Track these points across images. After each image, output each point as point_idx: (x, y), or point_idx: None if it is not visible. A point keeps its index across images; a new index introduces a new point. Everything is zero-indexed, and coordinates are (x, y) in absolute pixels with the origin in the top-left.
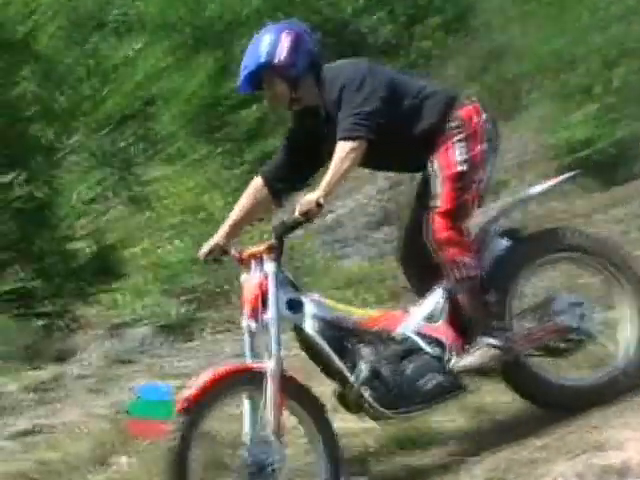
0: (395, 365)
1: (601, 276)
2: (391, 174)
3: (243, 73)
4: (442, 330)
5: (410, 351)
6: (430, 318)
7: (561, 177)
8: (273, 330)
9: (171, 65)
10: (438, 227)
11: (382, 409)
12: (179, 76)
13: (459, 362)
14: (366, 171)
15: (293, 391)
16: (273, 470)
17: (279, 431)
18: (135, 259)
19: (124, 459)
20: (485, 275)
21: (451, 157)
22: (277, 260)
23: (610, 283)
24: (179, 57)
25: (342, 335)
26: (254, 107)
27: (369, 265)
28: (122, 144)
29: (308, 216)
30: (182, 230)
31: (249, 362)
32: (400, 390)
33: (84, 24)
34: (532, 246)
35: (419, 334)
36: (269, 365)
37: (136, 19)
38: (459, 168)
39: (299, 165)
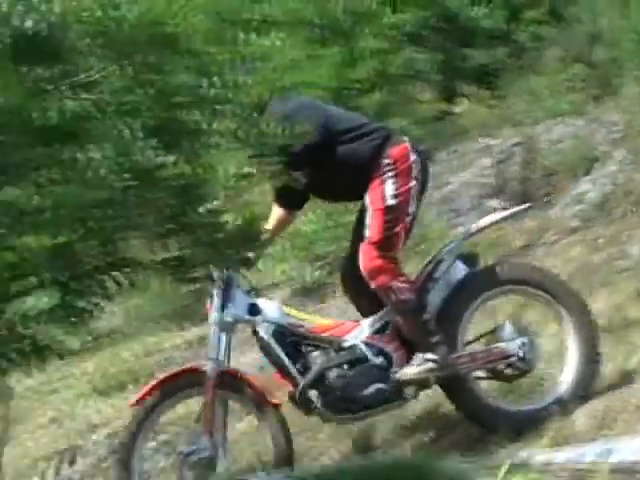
0: (342, 371)
1: (547, 307)
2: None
3: None
4: (388, 342)
5: (357, 359)
6: (378, 330)
7: (512, 210)
8: (214, 332)
9: (303, 57)
10: (368, 257)
11: (326, 411)
12: (310, 67)
13: (399, 373)
14: (477, 145)
15: (235, 386)
16: (199, 459)
17: (209, 423)
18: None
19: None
20: (443, 298)
21: (382, 192)
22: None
23: (554, 314)
24: (310, 50)
25: (295, 340)
26: (377, 93)
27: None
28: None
29: None
30: (315, 203)
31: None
32: (344, 395)
33: (229, 22)
34: (485, 277)
35: (366, 344)
36: (207, 365)
37: (273, 17)
38: (388, 202)
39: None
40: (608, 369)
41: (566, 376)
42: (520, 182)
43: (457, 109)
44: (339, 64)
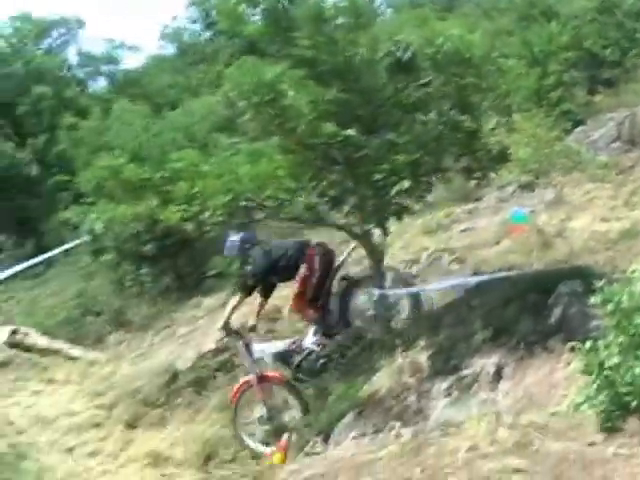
0: (307, 360)
1: None
2: None
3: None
4: (321, 338)
5: (311, 352)
6: (315, 333)
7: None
8: (249, 364)
9: (524, 72)
10: (294, 299)
11: (310, 376)
12: (527, 77)
13: (328, 348)
14: (606, 117)
15: (272, 380)
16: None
17: (265, 399)
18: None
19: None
20: (338, 300)
21: (300, 271)
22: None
23: None
24: (526, 69)
25: (283, 354)
26: (557, 91)
27: (605, 164)
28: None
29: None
30: (527, 143)
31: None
32: (310, 370)
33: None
34: (355, 284)
35: (312, 342)
36: (251, 377)
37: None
38: (301, 275)
39: None
40: None
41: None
42: (628, 134)
43: (596, 99)
44: (539, 77)
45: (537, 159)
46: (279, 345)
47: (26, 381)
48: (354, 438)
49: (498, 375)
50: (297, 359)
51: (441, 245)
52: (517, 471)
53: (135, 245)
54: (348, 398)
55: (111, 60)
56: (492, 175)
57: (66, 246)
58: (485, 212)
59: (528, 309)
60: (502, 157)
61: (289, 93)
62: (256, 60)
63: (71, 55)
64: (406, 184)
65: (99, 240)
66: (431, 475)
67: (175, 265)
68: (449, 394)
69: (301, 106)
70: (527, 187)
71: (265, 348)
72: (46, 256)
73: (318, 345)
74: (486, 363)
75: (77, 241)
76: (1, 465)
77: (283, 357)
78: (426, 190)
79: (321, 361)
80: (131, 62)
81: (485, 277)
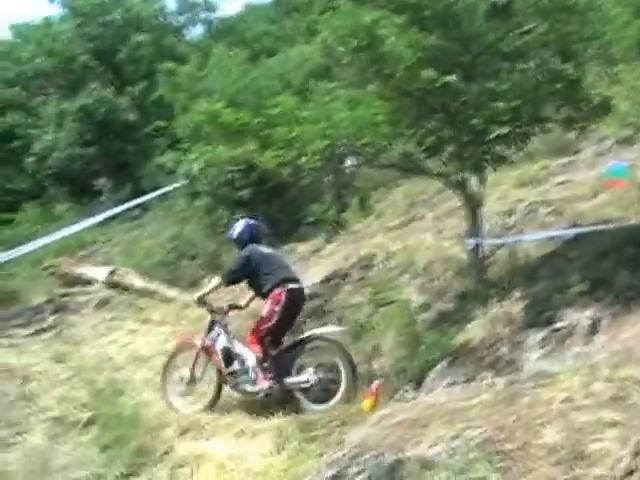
0: (241, 373)
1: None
2: None
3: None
4: (256, 371)
5: (247, 370)
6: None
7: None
8: (205, 337)
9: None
10: (249, 335)
11: (233, 388)
12: (611, 19)
13: (258, 384)
14: None
15: (212, 358)
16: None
17: (195, 367)
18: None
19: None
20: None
21: (263, 308)
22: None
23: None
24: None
25: (231, 354)
26: None
27: None
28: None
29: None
30: (627, 96)
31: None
32: (236, 384)
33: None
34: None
35: (252, 367)
36: (199, 342)
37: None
38: (262, 314)
39: None
40: None
41: (342, 386)
42: None
43: None
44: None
45: (637, 113)
46: (236, 346)
47: (123, 320)
48: (446, 386)
49: (594, 329)
50: (235, 367)
51: (537, 197)
52: (613, 424)
53: (230, 191)
54: (440, 347)
55: (208, 7)
56: (591, 127)
57: (162, 190)
58: (582, 166)
59: (625, 263)
60: (604, 108)
61: (388, 39)
62: (353, 6)
63: (169, 2)
64: (505, 131)
65: (195, 183)
66: (525, 424)
67: (269, 211)
68: (543, 346)
69: (400, 52)
70: (626, 141)
71: (223, 340)
72: (143, 199)
73: (253, 372)
74: (581, 316)
75: (174, 185)
76: (100, 399)
77: (228, 355)
78: (525, 139)
79: (246, 385)
80: (228, 9)
81: (582, 229)
